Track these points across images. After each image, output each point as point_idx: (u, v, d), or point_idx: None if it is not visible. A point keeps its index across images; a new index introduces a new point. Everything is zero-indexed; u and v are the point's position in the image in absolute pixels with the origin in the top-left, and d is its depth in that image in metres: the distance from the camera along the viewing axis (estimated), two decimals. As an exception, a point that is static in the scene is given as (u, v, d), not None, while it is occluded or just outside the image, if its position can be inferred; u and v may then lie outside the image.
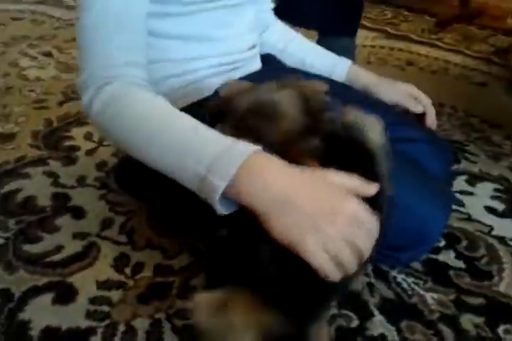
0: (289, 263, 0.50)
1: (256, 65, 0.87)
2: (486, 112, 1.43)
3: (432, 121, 0.88)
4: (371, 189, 0.53)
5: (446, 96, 1.53)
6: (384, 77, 0.94)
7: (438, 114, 1.40)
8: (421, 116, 0.91)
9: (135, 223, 0.90)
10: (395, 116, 0.92)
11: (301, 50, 0.94)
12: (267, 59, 0.91)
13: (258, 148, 0.51)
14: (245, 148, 0.51)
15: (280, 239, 0.49)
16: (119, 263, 0.80)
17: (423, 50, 1.96)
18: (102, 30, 0.63)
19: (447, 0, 2.47)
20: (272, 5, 0.95)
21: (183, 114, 0.58)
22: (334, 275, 0.49)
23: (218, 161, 0.51)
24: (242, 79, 0.79)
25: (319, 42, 1.36)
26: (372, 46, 2.00)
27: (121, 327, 0.69)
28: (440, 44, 2.03)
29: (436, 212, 0.75)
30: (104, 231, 0.87)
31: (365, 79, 0.91)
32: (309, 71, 0.91)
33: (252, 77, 0.82)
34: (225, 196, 0.51)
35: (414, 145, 0.87)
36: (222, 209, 0.52)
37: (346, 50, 1.38)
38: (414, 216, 0.72)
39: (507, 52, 1.93)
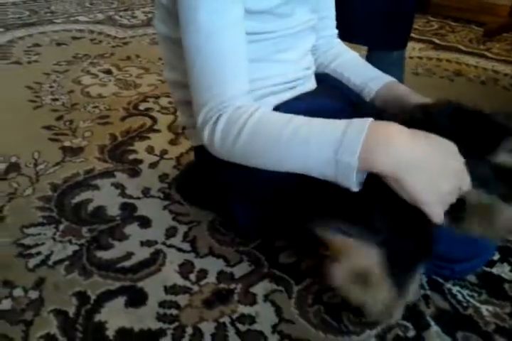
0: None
1: (311, 84, 0.92)
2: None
3: None
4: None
5: (496, 106, 1.53)
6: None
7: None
8: None
9: (197, 232, 0.95)
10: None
11: (342, 65, 0.96)
12: (322, 77, 0.95)
13: (372, 119, 0.60)
14: (362, 122, 0.60)
15: (410, 200, 0.60)
16: (184, 269, 0.86)
17: (471, 60, 1.95)
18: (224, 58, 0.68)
19: (495, 9, 2.44)
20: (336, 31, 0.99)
21: (293, 115, 0.65)
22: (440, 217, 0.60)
23: (342, 142, 0.59)
24: (297, 97, 0.84)
25: (369, 57, 1.39)
26: (420, 57, 2.01)
27: (189, 330, 0.74)
28: (489, 54, 2.02)
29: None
30: (169, 239, 0.93)
31: (400, 91, 0.89)
32: (347, 85, 0.94)
33: (306, 95, 0.86)
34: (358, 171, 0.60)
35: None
36: (356, 187, 0.61)
37: (396, 64, 1.41)
38: None
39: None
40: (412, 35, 2.21)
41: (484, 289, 0.81)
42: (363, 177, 0.61)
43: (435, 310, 0.78)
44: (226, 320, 0.76)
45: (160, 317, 0.76)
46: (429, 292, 0.81)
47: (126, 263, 0.87)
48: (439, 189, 0.60)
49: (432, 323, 0.75)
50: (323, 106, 0.84)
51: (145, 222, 0.98)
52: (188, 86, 0.78)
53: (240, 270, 0.86)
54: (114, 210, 1.02)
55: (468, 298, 0.80)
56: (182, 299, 0.80)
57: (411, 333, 0.74)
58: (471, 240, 0.76)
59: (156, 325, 0.75)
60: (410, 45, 2.07)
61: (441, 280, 0.83)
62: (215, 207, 0.99)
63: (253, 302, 0.79)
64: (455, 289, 0.82)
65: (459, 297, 0.80)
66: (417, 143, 0.60)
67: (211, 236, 0.94)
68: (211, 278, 0.84)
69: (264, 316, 0.77)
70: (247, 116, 0.66)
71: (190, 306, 0.78)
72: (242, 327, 0.75)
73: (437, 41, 2.20)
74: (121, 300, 0.79)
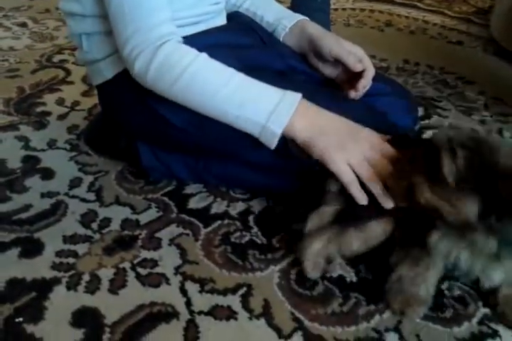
0: None
1: (221, 20, 0.87)
2: (461, 69, 1.43)
3: (364, 84, 0.84)
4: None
5: (422, 55, 1.53)
6: (342, 38, 0.89)
7: (413, 73, 1.42)
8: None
9: (104, 182, 0.91)
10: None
11: (254, 4, 0.92)
12: (234, 16, 0.91)
13: (299, 95, 0.68)
14: (294, 97, 0.68)
15: (319, 159, 0.67)
16: (86, 218, 0.81)
17: (403, 11, 1.94)
18: None
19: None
20: None
21: (233, 70, 0.69)
22: (355, 187, 0.65)
23: (274, 112, 0.67)
24: (205, 32, 0.80)
25: (293, 3, 1.35)
26: (353, 9, 1.98)
27: (86, 277, 0.70)
28: (420, 5, 2.01)
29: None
30: (72, 190, 0.88)
31: (312, 30, 0.87)
32: (260, 24, 0.90)
33: (214, 30, 0.82)
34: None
35: (383, 99, 0.88)
36: (274, 146, 0.69)
37: (321, 10, 1.36)
38: None
39: (487, 12, 1.91)
40: (346, -14, 2.18)
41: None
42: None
43: (341, 244, 0.77)
44: (126, 265, 0.73)
45: (55, 266, 0.72)
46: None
47: (23, 215, 0.82)
48: (344, 148, 0.67)
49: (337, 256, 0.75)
50: (231, 41, 0.81)
51: (48, 174, 0.92)
52: (89, 17, 0.76)
53: (147, 217, 0.83)
54: (14, 163, 0.95)
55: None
56: (81, 248, 0.76)
57: (316, 268, 0.73)
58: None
59: (50, 274, 0.71)
60: (343, -4, 2.04)
61: (350, 217, 0.83)
62: (125, 156, 0.94)
63: (157, 246, 0.76)
64: (363, 224, 0.81)
65: (366, 231, 0.80)
66: (333, 116, 0.70)
67: (119, 185, 0.90)
68: (115, 226, 0.80)
69: (168, 259, 0.74)
70: (189, 60, 0.68)
71: (89, 254, 0.75)
72: (142, 271, 0.72)
73: (371, -7, 2.17)
74: (14, 252, 0.75)
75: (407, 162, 0.63)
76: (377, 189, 0.65)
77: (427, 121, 1.15)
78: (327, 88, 0.89)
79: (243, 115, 0.68)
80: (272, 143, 0.69)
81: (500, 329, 0.64)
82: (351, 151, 0.67)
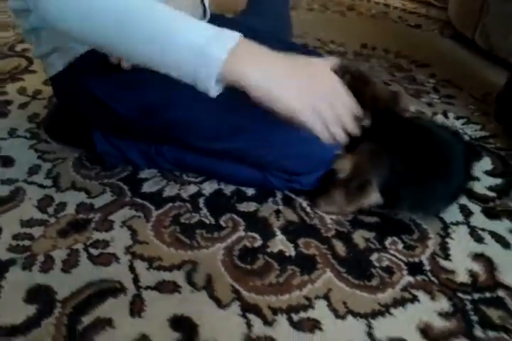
0: None
1: None
2: (416, 53, 1.48)
3: None
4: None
5: (380, 39, 1.57)
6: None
7: (369, 57, 1.46)
8: None
9: (61, 169, 0.94)
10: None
11: None
12: None
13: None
14: (234, 33, 0.58)
15: (284, 111, 0.60)
16: (43, 203, 0.85)
17: (366, -5, 1.97)
18: None
19: None
20: None
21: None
22: (320, 130, 0.63)
23: (217, 34, 0.57)
24: None
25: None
26: (317, -7, 2.00)
27: (40, 258, 0.75)
28: (383, -11, 2.04)
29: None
30: (31, 177, 0.92)
31: None
32: None
33: None
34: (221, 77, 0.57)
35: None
36: (214, 90, 0.59)
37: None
38: (314, 144, 0.79)
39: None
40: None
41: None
42: (222, 88, 0.60)
43: (284, 222, 0.83)
44: (80, 246, 0.77)
45: (11, 249, 0.76)
46: (281, 207, 0.86)
47: (-17, 202, 0.85)
48: (310, 95, 0.61)
49: (278, 233, 0.80)
50: None
51: (7, 162, 0.95)
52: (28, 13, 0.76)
53: (101, 201, 0.87)
54: (-26, 152, 0.98)
55: (316, 210, 0.85)
56: (37, 231, 0.80)
57: (258, 243, 0.79)
58: (313, 153, 0.80)
59: (6, 256, 0.75)
60: (308, -19, 2.06)
61: (293, 196, 0.88)
62: (82, 143, 0.97)
63: (109, 228, 0.81)
64: (305, 203, 0.87)
65: (308, 209, 0.85)
66: (286, 58, 0.61)
67: (76, 171, 0.94)
68: (70, 210, 0.84)
69: (119, 240, 0.79)
70: None
71: (44, 236, 0.79)
72: (94, 252, 0.76)
73: (336, -23, 2.19)
74: (-28, 237, 0.78)
75: None
76: (340, 134, 0.65)
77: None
78: None
79: (176, 41, 0.56)
80: (211, 81, 0.57)
81: (420, 294, 0.70)
82: (318, 101, 0.61)
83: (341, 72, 0.78)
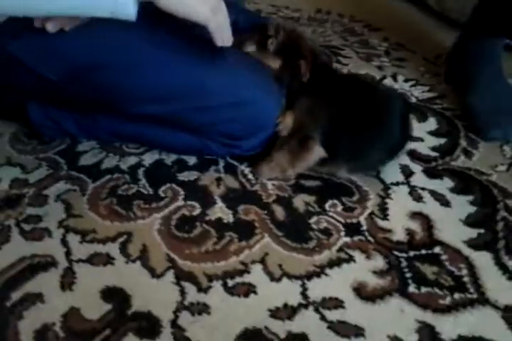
0: None
1: None
2: (370, 17, 1.45)
3: None
4: None
5: (335, 3, 1.54)
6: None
7: (323, 22, 1.43)
8: None
9: (-4, 144, 0.91)
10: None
11: None
12: None
13: None
14: None
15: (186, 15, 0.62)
16: (-25, 181, 0.82)
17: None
18: None
19: None
20: None
21: None
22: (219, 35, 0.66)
23: None
24: None
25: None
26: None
27: (-29, 234, 0.72)
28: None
29: (271, 102, 0.79)
30: (-37, 154, 0.88)
31: None
32: None
33: None
34: None
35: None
36: (134, 13, 0.59)
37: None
38: (252, 106, 0.77)
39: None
40: None
41: (274, 167, 0.85)
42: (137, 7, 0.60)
43: (225, 189, 0.81)
44: (12, 222, 0.75)
45: None
46: (223, 175, 0.84)
47: None
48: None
49: (219, 201, 0.79)
50: None
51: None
52: None
53: (36, 175, 0.84)
54: None
55: (259, 178, 0.84)
56: (-29, 204, 0.77)
57: (196, 211, 0.77)
58: (250, 116, 0.79)
59: None
60: None
61: (236, 164, 0.86)
62: (17, 117, 0.94)
63: (43, 203, 0.78)
64: (247, 170, 0.85)
65: (250, 176, 0.84)
66: None
67: (12, 147, 0.90)
68: (3, 186, 0.81)
69: (53, 214, 0.76)
70: None
71: (-25, 213, 0.76)
72: (26, 227, 0.74)
73: None
74: None
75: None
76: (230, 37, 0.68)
77: (326, 69, 1.17)
78: None
79: None
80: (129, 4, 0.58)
81: (356, 254, 0.70)
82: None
83: (275, 29, 0.77)
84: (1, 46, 0.78)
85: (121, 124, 0.87)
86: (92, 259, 0.69)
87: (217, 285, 0.66)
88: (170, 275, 0.67)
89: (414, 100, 1.05)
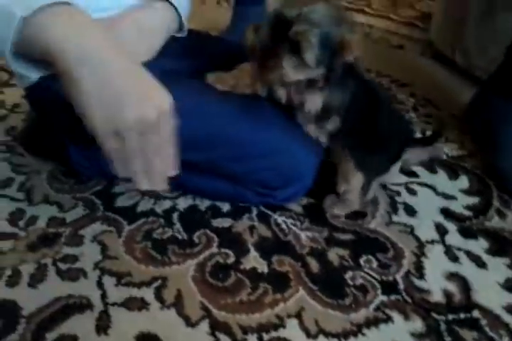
0: None
1: None
2: (397, 72, 1.49)
3: None
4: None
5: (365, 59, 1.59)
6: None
7: (351, 76, 1.47)
8: None
9: (34, 182, 0.93)
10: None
11: None
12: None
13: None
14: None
15: (74, 101, 0.49)
16: (14, 217, 0.84)
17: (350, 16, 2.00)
18: None
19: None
20: None
21: None
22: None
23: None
24: None
25: (234, 11, 1.38)
26: (303, 13, 2.03)
27: (8, 272, 0.73)
28: (367, 9, 2.08)
29: (308, 153, 0.81)
30: (3, 189, 0.90)
31: None
32: None
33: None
34: (25, 47, 0.50)
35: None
36: (11, 59, 0.53)
37: (262, 16, 1.41)
38: (287, 156, 0.78)
39: (431, 16, 1.99)
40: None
41: (307, 218, 0.86)
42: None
43: (258, 238, 0.82)
44: (48, 261, 0.75)
45: (-22, 263, 0.74)
46: (256, 223, 0.85)
47: (-48, 214, 0.83)
48: (118, 116, 0.49)
49: (252, 250, 0.79)
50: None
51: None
52: None
53: (73, 215, 0.85)
54: None
55: (291, 226, 0.84)
56: (6, 244, 0.78)
57: (231, 259, 0.77)
58: (287, 167, 0.80)
59: (-28, 270, 0.73)
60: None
61: (269, 212, 0.87)
62: (56, 156, 0.96)
63: (80, 243, 0.79)
64: (280, 219, 0.86)
65: (283, 226, 0.84)
66: (112, 45, 0.50)
67: (49, 185, 0.92)
68: (41, 224, 0.83)
69: (89, 255, 0.77)
70: None
71: (13, 250, 0.77)
72: (63, 266, 0.75)
73: (323, -2, 2.23)
74: None
75: None
76: (135, 165, 0.53)
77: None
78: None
79: None
80: (8, 33, 0.49)
81: (394, 314, 0.69)
82: (127, 120, 0.49)
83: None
84: (49, 87, 0.82)
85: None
86: (128, 303, 0.69)
87: (252, 338, 0.65)
88: (205, 325, 0.66)
89: (445, 157, 1.06)
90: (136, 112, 0.49)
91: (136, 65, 0.51)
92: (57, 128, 0.89)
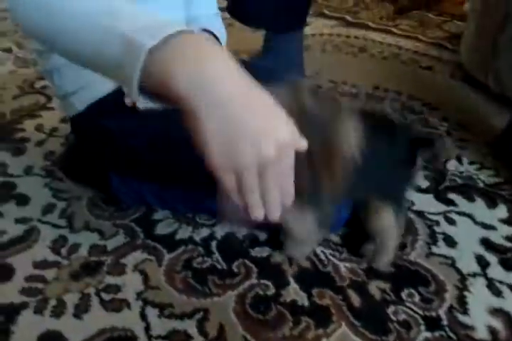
0: None
1: None
2: (427, 96, 1.49)
3: None
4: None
5: (392, 81, 1.59)
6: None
7: (381, 99, 1.48)
8: None
9: (75, 208, 0.95)
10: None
11: None
12: None
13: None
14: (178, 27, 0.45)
15: (199, 143, 0.45)
16: (57, 244, 0.85)
17: (378, 36, 2.01)
18: None
19: (408, -13, 2.50)
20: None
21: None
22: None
23: (150, 25, 0.45)
24: None
25: (268, 39, 1.38)
26: (330, 34, 2.04)
27: (53, 302, 0.74)
28: (395, 30, 2.08)
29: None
30: (45, 216, 0.92)
31: None
32: None
33: None
34: (149, 80, 0.44)
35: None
36: (137, 94, 0.46)
37: (296, 41, 1.41)
38: None
39: (460, 37, 1.99)
40: (326, 12, 2.26)
41: (345, 248, 0.86)
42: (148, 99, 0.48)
43: (297, 269, 0.82)
44: (92, 290, 0.77)
45: (24, 291, 0.76)
46: (294, 254, 0.85)
47: (-3, 241, 0.86)
48: (237, 153, 0.45)
49: (292, 281, 0.79)
50: None
51: (23, 200, 0.96)
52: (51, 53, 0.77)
53: (114, 242, 0.87)
54: (-9, 189, 0.99)
55: (329, 256, 0.84)
56: (50, 273, 0.80)
57: (271, 291, 0.77)
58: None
59: (19, 299, 0.75)
60: (322, 22, 2.12)
61: (307, 242, 0.87)
62: (96, 183, 0.98)
63: (122, 272, 0.80)
64: (319, 249, 0.86)
65: (322, 256, 0.84)
66: (245, 85, 0.46)
67: (89, 211, 0.94)
68: (83, 252, 0.84)
69: (131, 285, 0.78)
70: None
71: (57, 279, 0.78)
72: (106, 297, 0.76)
73: (349, 18, 2.24)
74: (-14, 278, 0.78)
75: None
76: (253, 199, 0.49)
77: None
78: None
79: (110, 25, 0.47)
80: (134, 69, 0.43)
81: (438, 351, 0.68)
82: (246, 156, 0.45)
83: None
84: (96, 119, 0.84)
85: (199, 199, 0.90)
86: (171, 336, 0.70)
87: (296, 374, 0.65)
88: (248, 362, 0.66)
89: (481, 185, 1.05)
90: (253, 149, 0.45)
91: (259, 97, 0.47)
92: (100, 154, 0.91)
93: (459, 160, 1.15)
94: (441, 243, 0.87)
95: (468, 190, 1.03)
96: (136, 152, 0.83)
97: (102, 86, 0.83)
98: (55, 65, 0.83)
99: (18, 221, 0.91)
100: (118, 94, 0.81)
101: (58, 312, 0.73)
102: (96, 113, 0.85)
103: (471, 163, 1.14)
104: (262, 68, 0.96)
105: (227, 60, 0.45)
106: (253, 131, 0.45)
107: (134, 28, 0.45)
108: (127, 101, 0.80)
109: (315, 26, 2.09)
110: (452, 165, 1.13)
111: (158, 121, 0.80)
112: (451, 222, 0.93)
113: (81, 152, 0.99)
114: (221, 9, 1.03)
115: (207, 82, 0.43)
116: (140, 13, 0.49)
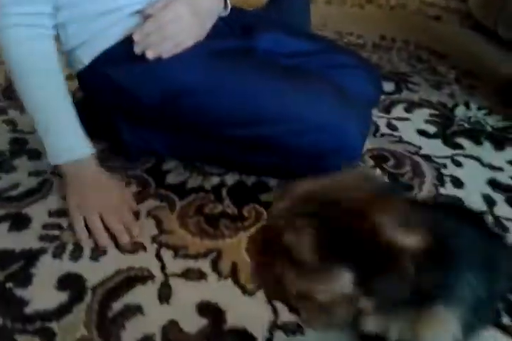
0: None
1: None
2: (436, 44, 1.47)
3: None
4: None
5: (399, 30, 1.56)
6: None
7: (388, 49, 1.45)
8: None
9: (87, 160, 0.96)
10: (324, 43, 0.98)
11: None
12: None
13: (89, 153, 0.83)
14: (78, 152, 0.83)
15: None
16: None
17: (384, -13, 1.96)
18: None
19: None
20: None
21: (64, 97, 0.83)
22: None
23: (63, 148, 0.82)
24: None
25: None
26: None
27: (70, 247, 0.77)
28: (402, -20, 2.02)
29: (353, 122, 0.80)
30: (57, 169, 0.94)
31: None
32: None
33: None
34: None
35: (346, 70, 0.93)
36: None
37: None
38: (330, 125, 0.78)
39: (468, -15, 1.93)
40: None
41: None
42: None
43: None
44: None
45: (42, 238, 0.78)
46: (304, 198, 0.86)
47: (13, 193, 0.88)
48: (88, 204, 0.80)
49: (302, 223, 0.81)
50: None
51: (35, 155, 0.98)
52: (61, 9, 0.81)
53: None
54: (3, 145, 1.00)
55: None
56: (65, 221, 0.82)
57: (281, 233, 0.79)
58: (331, 135, 0.79)
59: (37, 245, 0.77)
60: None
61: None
62: (106, 136, 0.99)
63: (136, 218, 0.82)
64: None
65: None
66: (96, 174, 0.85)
67: (101, 163, 0.95)
68: (97, 201, 0.86)
69: (146, 230, 0.80)
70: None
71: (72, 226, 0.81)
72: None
73: (354, -30, 2.18)
74: (4, 226, 0.81)
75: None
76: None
77: (397, 96, 1.19)
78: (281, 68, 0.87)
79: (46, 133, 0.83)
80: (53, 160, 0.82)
81: None
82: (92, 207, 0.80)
83: None
84: (103, 71, 0.84)
85: (206, 146, 0.91)
86: (186, 274, 0.72)
87: (307, 306, 0.67)
88: (261, 294, 0.69)
89: (489, 129, 1.05)
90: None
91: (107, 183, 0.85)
92: (109, 107, 0.92)
93: (467, 106, 1.15)
94: (448, 184, 0.88)
95: (475, 134, 1.03)
96: (145, 104, 0.83)
97: (107, 38, 0.83)
98: (60, 21, 0.82)
99: (31, 174, 0.93)
100: (123, 46, 0.81)
101: (76, 255, 0.75)
102: (102, 64, 0.84)
103: (479, 108, 1.14)
104: (258, 15, 0.95)
105: (96, 172, 0.85)
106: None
107: (53, 147, 0.82)
108: (136, 50, 0.80)
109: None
110: (460, 110, 1.12)
111: (166, 69, 0.81)
112: (458, 164, 0.94)
113: (89, 107, 1.00)
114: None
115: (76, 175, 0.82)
116: (65, 132, 0.84)
